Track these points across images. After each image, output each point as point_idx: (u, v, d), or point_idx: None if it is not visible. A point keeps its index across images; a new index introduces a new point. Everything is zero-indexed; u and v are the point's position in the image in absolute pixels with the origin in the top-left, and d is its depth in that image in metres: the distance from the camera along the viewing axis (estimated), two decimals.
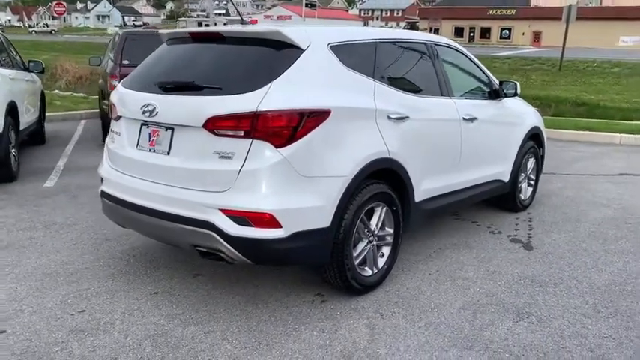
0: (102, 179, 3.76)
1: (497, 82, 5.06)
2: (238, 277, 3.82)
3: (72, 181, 6.34)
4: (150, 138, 3.37)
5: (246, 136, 3.00)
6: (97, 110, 11.38)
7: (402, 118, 3.69)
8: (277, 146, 3.00)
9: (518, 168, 5.30)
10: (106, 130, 8.65)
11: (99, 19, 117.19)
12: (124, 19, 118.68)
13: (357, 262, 3.49)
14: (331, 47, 3.41)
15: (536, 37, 52.43)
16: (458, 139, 4.35)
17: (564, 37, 21.45)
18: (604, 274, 4.06)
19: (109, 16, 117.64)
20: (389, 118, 3.60)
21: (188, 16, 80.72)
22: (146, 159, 3.36)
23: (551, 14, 46.26)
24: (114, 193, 3.54)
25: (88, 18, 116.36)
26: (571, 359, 2.96)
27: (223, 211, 3.02)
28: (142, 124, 3.43)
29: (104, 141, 8.92)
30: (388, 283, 3.78)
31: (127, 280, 3.76)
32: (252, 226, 3.00)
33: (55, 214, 5.16)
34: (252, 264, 3.21)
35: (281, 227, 3.00)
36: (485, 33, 59.84)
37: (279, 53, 3.23)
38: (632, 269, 4.16)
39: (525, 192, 5.63)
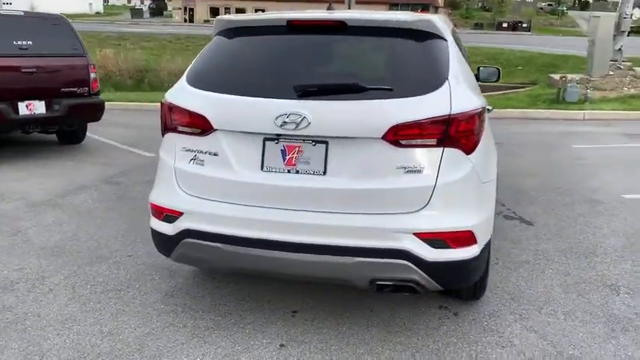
0: (170, 215, 2.82)
1: None
2: (340, 305, 3.29)
3: None
4: (284, 156, 2.64)
5: (438, 144, 2.56)
6: None
7: (489, 111, 3.57)
8: (467, 153, 2.64)
9: None
10: None
11: None
12: None
13: None
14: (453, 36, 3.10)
15: None
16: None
17: None
18: (612, 237, 4.54)
19: None
20: (488, 110, 3.44)
21: None
22: (284, 182, 2.63)
23: None
24: (217, 229, 2.69)
25: None
26: None
27: (418, 234, 2.55)
28: (265, 139, 2.65)
29: None
30: None
31: (224, 338, 2.94)
32: (449, 248, 2.60)
33: (6, 268, 3.73)
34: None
35: (476, 243, 2.67)
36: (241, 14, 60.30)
37: (429, 45, 2.81)
38: (624, 228, 4.72)
39: None
